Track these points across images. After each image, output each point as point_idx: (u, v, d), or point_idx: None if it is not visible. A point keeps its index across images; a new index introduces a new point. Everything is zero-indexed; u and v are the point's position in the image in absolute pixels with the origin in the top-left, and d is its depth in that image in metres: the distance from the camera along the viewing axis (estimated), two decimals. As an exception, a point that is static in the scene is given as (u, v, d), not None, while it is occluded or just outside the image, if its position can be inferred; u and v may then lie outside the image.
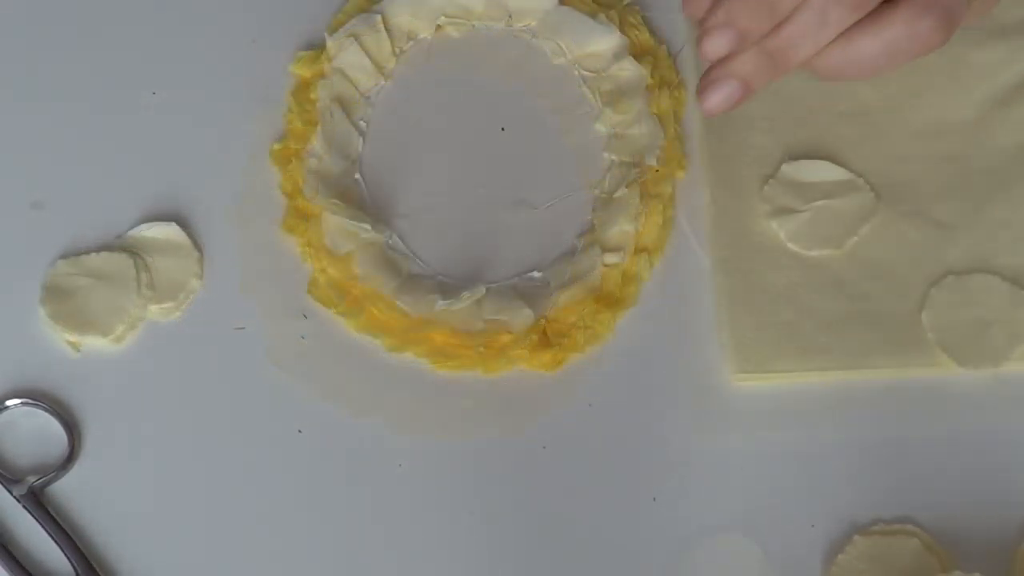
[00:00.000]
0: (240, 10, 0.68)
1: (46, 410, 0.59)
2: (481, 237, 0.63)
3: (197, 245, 0.63)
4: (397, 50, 0.67)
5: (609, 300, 0.62)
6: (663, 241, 0.63)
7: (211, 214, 0.64)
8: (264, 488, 0.58)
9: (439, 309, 0.61)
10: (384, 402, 0.60)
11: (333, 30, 0.67)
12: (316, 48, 0.67)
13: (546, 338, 0.61)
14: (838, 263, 0.63)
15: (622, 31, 0.67)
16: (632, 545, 0.58)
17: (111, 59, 0.67)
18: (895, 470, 0.59)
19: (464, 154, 0.65)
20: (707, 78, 0.57)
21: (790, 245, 0.63)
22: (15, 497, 0.58)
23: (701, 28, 0.55)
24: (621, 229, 0.63)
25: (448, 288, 0.62)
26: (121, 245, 0.63)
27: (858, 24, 0.55)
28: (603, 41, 0.67)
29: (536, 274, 0.63)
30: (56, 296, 0.61)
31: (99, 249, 0.62)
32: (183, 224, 0.63)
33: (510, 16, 0.68)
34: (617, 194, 0.63)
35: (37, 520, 0.57)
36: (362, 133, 0.66)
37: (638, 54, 0.67)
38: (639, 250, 0.63)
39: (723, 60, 0.56)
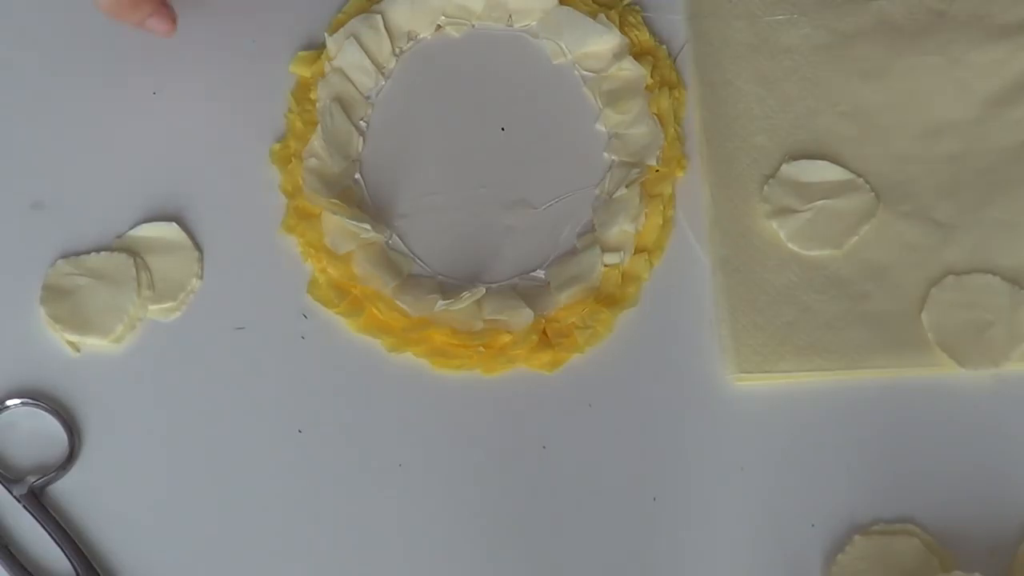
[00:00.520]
0: (240, 10, 0.68)
1: (46, 410, 0.59)
2: (481, 237, 0.63)
3: (197, 245, 0.63)
4: (397, 50, 0.67)
5: (609, 300, 0.62)
6: (663, 241, 0.63)
7: (211, 214, 0.64)
8: (264, 488, 0.58)
9: (439, 309, 0.61)
10: (384, 401, 0.60)
11: (333, 30, 0.67)
12: (316, 48, 0.67)
13: (546, 338, 0.61)
14: (838, 263, 0.63)
15: (622, 31, 0.67)
16: (632, 545, 0.57)
17: (111, 59, 0.67)
18: (895, 470, 0.59)
19: (464, 154, 0.65)
20: None
21: (790, 245, 0.63)
22: (15, 497, 0.58)
23: None
24: (621, 229, 0.63)
25: (448, 288, 0.62)
26: (121, 245, 0.63)
27: None
28: (603, 41, 0.67)
29: (536, 274, 0.63)
30: (56, 296, 0.61)
31: (99, 249, 0.62)
32: (183, 224, 0.63)
33: (510, 16, 0.68)
34: (617, 194, 0.63)
35: (37, 520, 0.57)
36: (362, 133, 0.66)
37: (638, 54, 0.67)
38: (639, 250, 0.63)
39: None
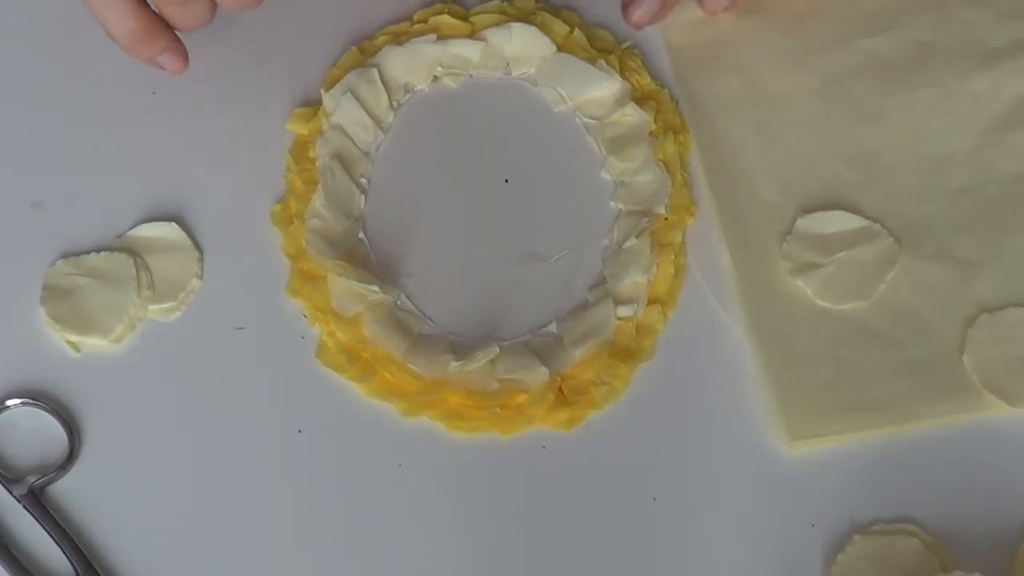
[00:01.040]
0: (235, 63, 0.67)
1: (46, 410, 0.59)
2: (490, 293, 0.62)
3: (197, 245, 0.63)
4: (395, 103, 0.66)
5: (624, 354, 0.61)
6: (676, 291, 0.62)
7: (211, 214, 0.64)
8: (264, 488, 0.58)
9: (452, 370, 0.59)
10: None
11: (328, 85, 0.66)
12: (312, 104, 0.66)
13: (563, 396, 0.60)
14: (869, 314, 0.61)
15: (622, 76, 0.66)
16: (632, 545, 0.57)
17: (111, 59, 0.65)
18: (895, 470, 0.58)
19: (468, 208, 0.64)
20: None
21: (818, 301, 0.62)
22: (15, 497, 0.58)
23: None
24: (633, 280, 0.62)
25: (460, 347, 0.60)
26: (121, 245, 0.63)
27: None
28: (604, 87, 0.66)
29: (549, 328, 0.61)
30: (56, 296, 0.61)
31: (99, 249, 0.62)
32: (183, 224, 0.63)
33: (508, 64, 0.67)
34: (627, 244, 0.62)
35: (37, 520, 0.57)
36: (364, 191, 0.64)
37: (640, 99, 0.66)
38: (652, 301, 0.62)
39: None
